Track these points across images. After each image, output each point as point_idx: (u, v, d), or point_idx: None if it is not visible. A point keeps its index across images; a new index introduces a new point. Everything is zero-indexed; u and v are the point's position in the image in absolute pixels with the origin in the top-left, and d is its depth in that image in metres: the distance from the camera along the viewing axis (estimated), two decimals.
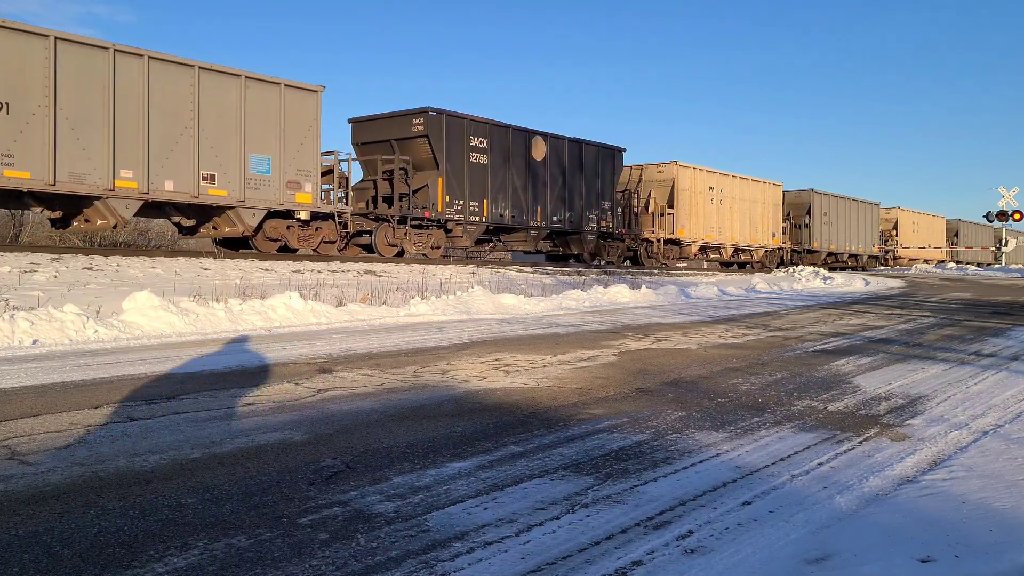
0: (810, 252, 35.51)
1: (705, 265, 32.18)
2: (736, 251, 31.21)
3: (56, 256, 12.69)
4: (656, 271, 24.47)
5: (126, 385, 5.14)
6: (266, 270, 13.65)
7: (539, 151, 22.03)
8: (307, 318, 9.18)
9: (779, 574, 2.43)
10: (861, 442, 4.09)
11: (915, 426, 4.49)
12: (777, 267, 32.71)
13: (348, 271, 14.89)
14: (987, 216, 46.71)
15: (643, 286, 16.11)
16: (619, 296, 14.39)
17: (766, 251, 32.32)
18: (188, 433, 3.94)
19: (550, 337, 8.43)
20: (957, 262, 49.40)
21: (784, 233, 33.75)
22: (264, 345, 7.25)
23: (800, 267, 30.45)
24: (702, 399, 5.14)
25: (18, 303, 8.27)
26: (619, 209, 24.96)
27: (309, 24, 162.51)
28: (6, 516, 2.75)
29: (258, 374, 5.68)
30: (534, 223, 21.89)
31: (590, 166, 23.71)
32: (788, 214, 34.49)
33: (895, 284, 24.23)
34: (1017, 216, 44.84)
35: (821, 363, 6.92)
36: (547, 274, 18.58)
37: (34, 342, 6.80)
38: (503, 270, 18.52)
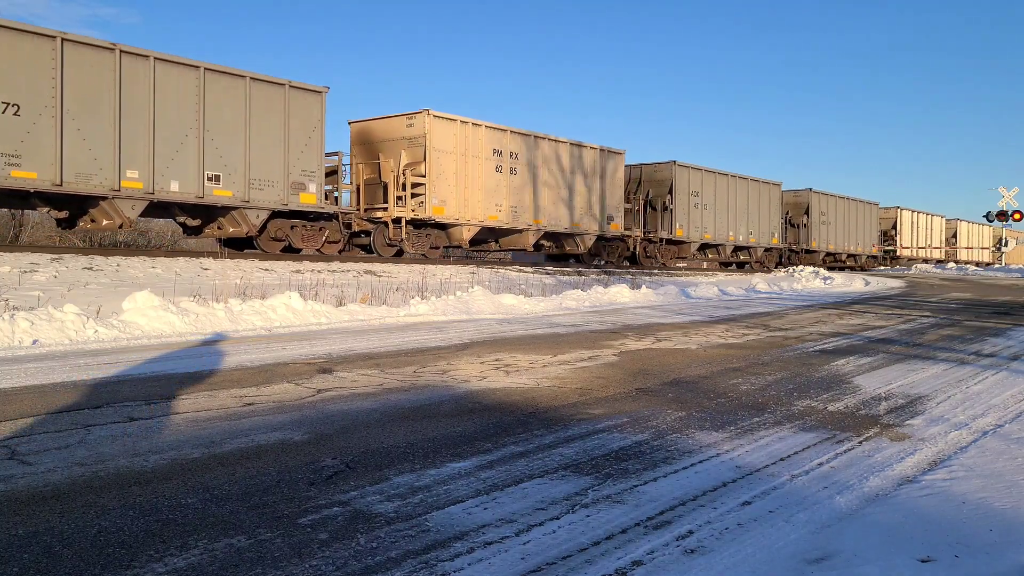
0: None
1: (705, 265, 32.19)
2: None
3: (56, 256, 12.70)
4: (656, 271, 24.49)
5: (126, 385, 5.14)
6: (266, 270, 13.66)
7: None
8: (307, 318, 9.18)
9: (779, 574, 2.43)
10: (861, 442, 4.08)
11: (915, 426, 4.49)
12: (776, 267, 32.73)
13: (348, 271, 14.90)
14: (987, 216, 46.80)
15: (643, 286, 16.11)
16: (619, 296, 14.39)
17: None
18: (188, 433, 3.94)
19: (550, 337, 8.43)
20: (957, 262, 49.38)
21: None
22: (264, 345, 7.25)
23: (800, 267, 30.48)
24: (702, 399, 5.14)
25: (18, 303, 8.27)
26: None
27: (311, 27, 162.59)
28: (6, 516, 2.75)
29: (258, 374, 5.69)
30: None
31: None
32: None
33: (895, 284, 24.22)
34: (1017, 216, 44.91)
35: (821, 363, 6.92)
36: (547, 274, 18.59)
37: (34, 342, 6.80)
38: (503, 270, 18.54)
